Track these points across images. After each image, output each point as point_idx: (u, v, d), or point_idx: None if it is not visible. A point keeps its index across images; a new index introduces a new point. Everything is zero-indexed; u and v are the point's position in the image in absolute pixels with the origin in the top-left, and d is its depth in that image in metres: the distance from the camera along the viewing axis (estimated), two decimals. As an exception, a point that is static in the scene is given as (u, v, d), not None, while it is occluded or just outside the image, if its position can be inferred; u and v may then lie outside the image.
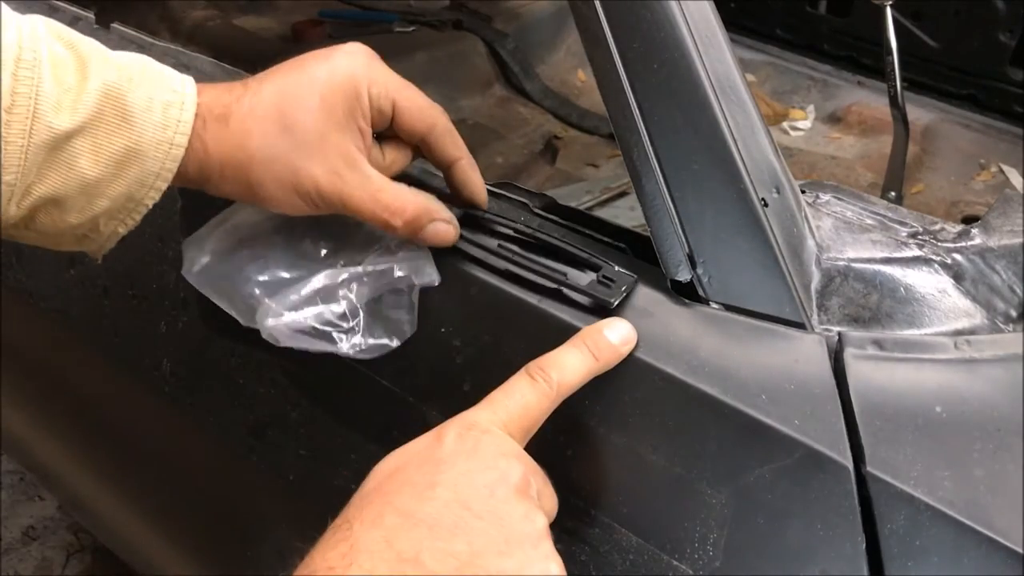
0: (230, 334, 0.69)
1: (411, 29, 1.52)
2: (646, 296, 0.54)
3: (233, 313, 0.60)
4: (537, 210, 0.61)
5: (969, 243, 0.55)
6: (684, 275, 0.53)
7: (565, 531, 0.52)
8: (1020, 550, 0.41)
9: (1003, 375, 0.48)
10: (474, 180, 0.60)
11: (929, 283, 0.53)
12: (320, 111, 0.54)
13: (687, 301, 0.53)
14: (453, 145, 0.58)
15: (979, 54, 1.31)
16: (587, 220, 0.60)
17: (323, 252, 0.60)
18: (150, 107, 0.52)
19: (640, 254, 0.57)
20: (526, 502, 0.43)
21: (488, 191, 0.63)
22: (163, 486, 0.90)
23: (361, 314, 0.58)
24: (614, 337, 0.51)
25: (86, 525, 1.40)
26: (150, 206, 0.55)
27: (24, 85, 0.49)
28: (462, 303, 0.59)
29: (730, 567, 0.47)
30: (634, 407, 0.51)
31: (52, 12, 0.88)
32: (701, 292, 0.53)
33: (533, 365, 0.49)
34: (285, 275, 0.59)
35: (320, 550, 0.40)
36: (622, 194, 1.12)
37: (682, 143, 0.52)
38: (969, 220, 0.81)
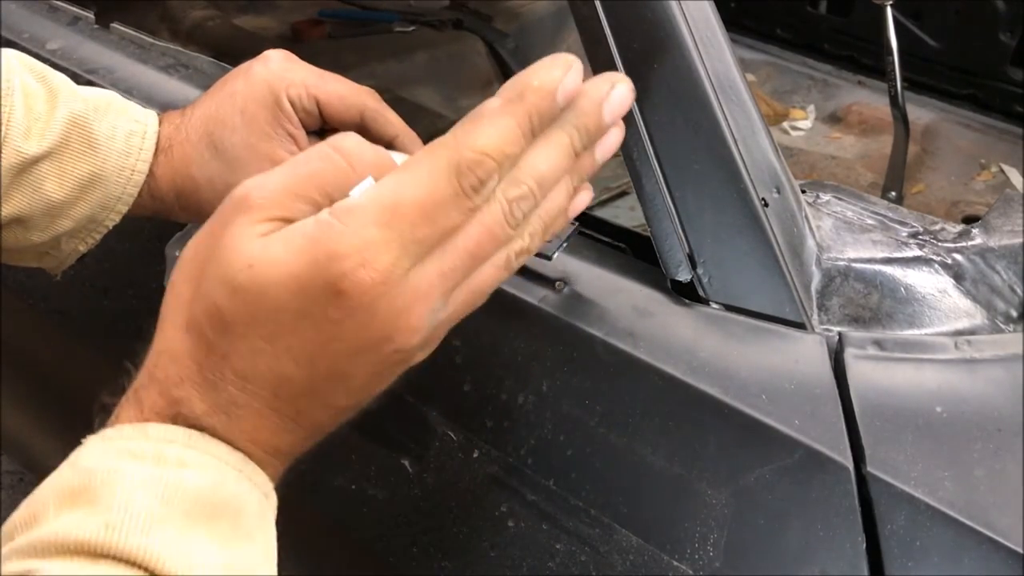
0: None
1: (411, 29, 1.52)
2: (646, 296, 0.54)
3: None
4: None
5: (969, 243, 0.55)
6: (684, 275, 0.53)
7: (565, 531, 0.52)
8: (1020, 550, 0.41)
9: (1003, 375, 0.48)
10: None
11: (929, 283, 0.53)
12: (243, 127, 0.55)
13: (687, 301, 0.53)
14: (387, 124, 0.58)
15: (979, 54, 1.31)
16: (587, 220, 0.60)
17: None
18: (113, 135, 0.55)
19: (640, 254, 0.57)
20: (415, 354, 0.38)
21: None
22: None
23: None
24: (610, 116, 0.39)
25: (86, 525, 1.40)
26: (110, 227, 0.57)
27: None
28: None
29: (730, 567, 0.47)
30: (634, 407, 0.51)
31: (52, 12, 0.88)
32: (701, 292, 0.53)
33: (466, 168, 0.35)
34: None
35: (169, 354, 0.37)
36: (622, 194, 1.12)
37: (682, 143, 0.52)
38: (969, 220, 0.81)
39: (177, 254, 0.63)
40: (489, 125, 0.35)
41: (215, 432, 0.37)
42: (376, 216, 0.34)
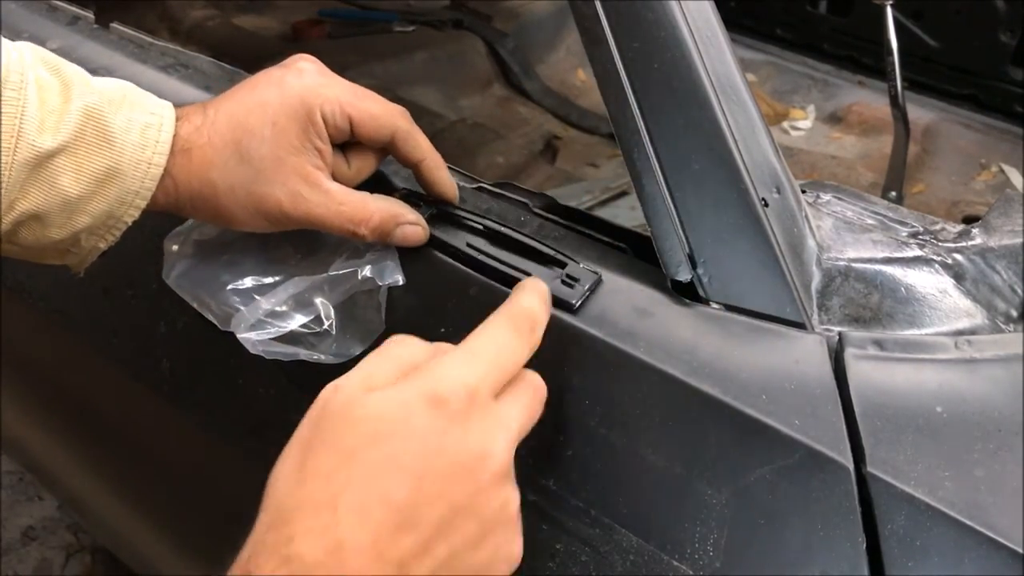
0: (230, 334, 0.69)
1: (411, 29, 1.52)
2: (646, 296, 0.54)
3: (210, 317, 0.61)
4: (537, 210, 0.61)
5: (970, 243, 0.55)
6: (684, 275, 0.53)
7: (565, 531, 0.52)
8: (1020, 550, 0.41)
9: (1004, 375, 0.48)
10: (441, 178, 0.60)
11: (930, 283, 0.53)
12: (274, 138, 0.55)
13: (687, 301, 0.53)
14: (416, 148, 0.59)
15: (980, 54, 1.31)
16: (587, 220, 0.60)
17: (296, 256, 0.61)
18: (129, 128, 0.54)
19: (640, 254, 0.57)
20: (505, 488, 0.42)
21: (488, 191, 0.63)
22: (163, 486, 0.90)
23: (334, 317, 0.59)
24: (542, 312, 0.48)
25: (86, 525, 1.40)
26: (129, 223, 0.57)
27: (10, 106, 0.51)
28: (462, 304, 0.59)
29: (730, 567, 0.47)
30: (634, 407, 0.51)
31: (52, 12, 0.88)
32: (701, 292, 0.53)
33: (519, 315, 0.46)
34: (259, 281, 0.60)
35: (300, 531, 0.38)
36: (622, 194, 1.13)
37: (682, 143, 0.52)
38: (970, 220, 0.81)
39: (175, 248, 0.63)
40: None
41: None
42: (460, 358, 0.43)
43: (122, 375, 0.82)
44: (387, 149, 0.59)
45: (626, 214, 1.08)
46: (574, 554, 0.52)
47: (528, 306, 0.47)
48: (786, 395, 0.48)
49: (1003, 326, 0.53)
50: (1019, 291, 0.54)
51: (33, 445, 1.16)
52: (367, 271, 0.59)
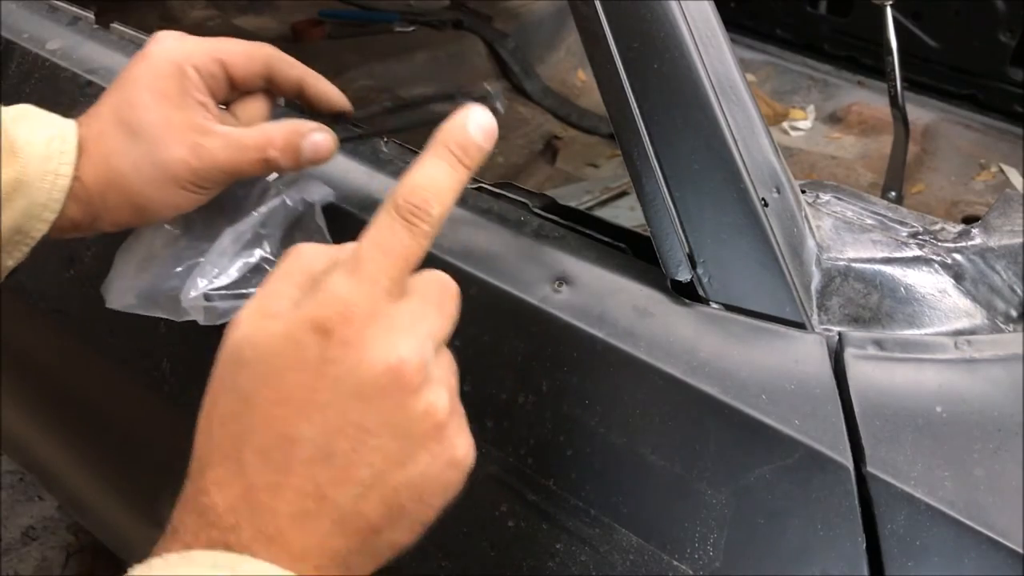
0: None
1: (411, 29, 1.52)
2: (646, 296, 0.54)
3: (165, 314, 0.60)
4: (537, 210, 0.61)
5: (969, 243, 0.55)
6: (684, 275, 0.53)
7: (565, 531, 0.52)
8: (1020, 550, 0.41)
9: (1003, 375, 0.48)
10: (328, 90, 0.61)
11: (929, 283, 0.53)
12: (156, 103, 0.55)
13: (687, 301, 0.53)
14: (292, 66, 0.59)
15: (979, 54, 1.31)
16: (587, 220, 0.60)
17: (222, 221, 0.60)
18: (32, 140, 0.55)
19: (640, 254, 0.57)
20: (423, 395, 0.39)
21: (488, 191, 0.63)
22: (163, 486, 0.90)
23: (280, 248, 0.59)
24: (479, 134, 0.44)
25: (86, 525, 1.40)
26: (38, 239, 0.56)
27: None
28: (462, 303, 0.59)
29: (730, 567, 0.47)
30: (634, 407, 0.51)
31: (52, 12, 0.88)
32: (701, 292, 0.53)
33: (403, 203, 0.41)
34: (198, 260, 0.59)
35: (211, 483, 0.38)
36: (622, 194, 1.13)
37: (682, 143, 0.52)
38: (969, 220, 0.81)
39: (124, 263, 0.63)
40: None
41: (259, 556, 0.37)
42: (344, 271, 0.40)
43: (122, 375, 0.82)
44: (268, 85, 0.60)
45: (626, 214, 1.08)
46: (574, 554, 0.52)
47: (419, 184, 0.41)
48: (786, 395, 0.48)
49: (1003, 326, 0.53)
50: (1019, 291, 0.54)
51: (33, 445, 1.16)
52: (292, 195, 0.59)
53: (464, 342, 0.58)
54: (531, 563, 0.54)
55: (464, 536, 0.56)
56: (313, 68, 0.61)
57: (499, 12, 1.58)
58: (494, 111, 0.45)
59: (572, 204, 0.62)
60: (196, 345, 0.73)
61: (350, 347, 0.38)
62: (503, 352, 0.56)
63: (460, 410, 0.42)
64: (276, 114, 0.62)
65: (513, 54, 1.51)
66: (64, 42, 0.84)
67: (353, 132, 0.62)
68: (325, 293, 0.39)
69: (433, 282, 0.43)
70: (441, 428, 0.40)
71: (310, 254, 0.42)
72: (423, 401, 0.39)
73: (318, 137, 0.56)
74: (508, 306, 0.56)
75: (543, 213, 0.61)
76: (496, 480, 0.55)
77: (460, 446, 0.41)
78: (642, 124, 0.52)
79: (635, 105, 0.52)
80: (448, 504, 0.42)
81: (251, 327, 0.40)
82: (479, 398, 0.56)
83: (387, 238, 0.40)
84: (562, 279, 0.56)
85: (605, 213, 1.09)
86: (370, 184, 0.65)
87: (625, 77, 0.52)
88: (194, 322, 0.59)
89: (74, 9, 0.88)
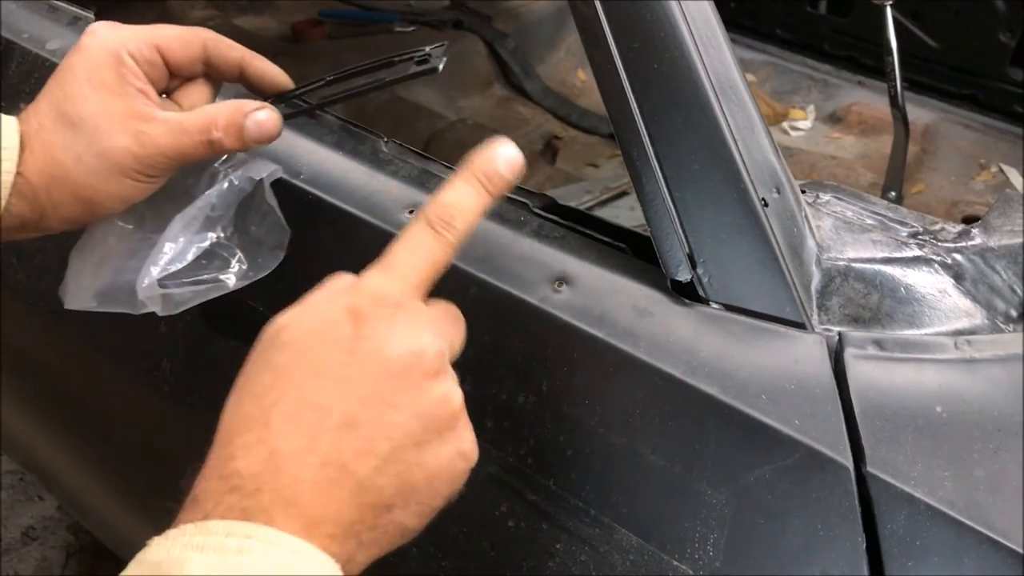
0: (230, 334, 0.69)
1: (411, 29, 1.52)
2: (646, 296, 0.54)
3: (123, 310, 0.60)
4: (537, 210, 0.61)
5: (969, 243, 0.55)
6: (684, 275, 0.53)
7: (565, 531, 0.52)
8: (1020, 550, 0.41)
9: (1003, 375, 0.48)
10: (268, 68, 0.61)
11: (929, 283, 0.53)
12: (94, 93, 0.55)
13: (687, 301, 0.53)
14: (231, 47, 0.59)
15: (979, 54, 1.31)
16: (587, 220, 0.60)
17: (170, 210, 0.60)
18: None
19: (640, 254, 0.57)
20: (442, 384, 0.43)
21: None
22: (163, 486, 0.90)
23: (236, 239, 0.59)
24: (504, 166, 0.47)
25: (86, 525, 1.40)
26: None
27: None
28: (461, 303, 0.59)
29: (730, 567, 0.47)
30: (634, 407, 0.51)
31: (52, 12, 0.88)
32: (701, 292, 0.53)
33: (433, 216, 0.46)
34: (146, 254, 0.59)
35: (238, 448, 0.40)
36: (622, 194, 1.12)
37: (682, 143, 0.52)
38: (969, 220, 0.81)
39: (79, 262, 0.62)
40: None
41: (274, 523, 0.38)
42: (378, 271, 0.44)
43: (122, 375, 0.82)
44: (207, 69, 0.60)
45: (626, 214, 1.08)
46: (574, 554, 0.52)
47: (447, 202, 0.46)
48: (786, 395, 0.48)
49: (1003, 326, 0.53)
50: (1018, 291, 0.54)
51: (33, 445, 1.15)
52: (239, 175, 0.59)
53: (464, 342, 0.58)
54: (531, 563, 0.54)
55: (464, 536, 0.56)
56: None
57: (499, 12, 1.58)
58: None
59: (572, 204, 0.62)
60: (196, 345, 0.74)
61: (380, 329, 0.42)
62: (503, 352, 0.56)
63: (467, 416, 0.45)
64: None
65: (513, 54, 1.51)
66: (64, 42, 0.84)
67: (298, 107, 0.62)
68: (360, 286, 0.44)
69: (450, 309, 0.47)
70: (455, 417, 0.43)
71: (347, 276, 0.46)
72: (441, 388, 0.42)
73: (261, 115, 0.57)
74: (508, 306, 0.56)
75: (543, 213, 0.61)
76: (496, 480, 0.55)
77: (468, 440, 0.44)
78: (642, 124, 0.52)
79: (635, 105, 0.52)
80: (452, 498, 0.43)
81: (289, 318, 0.43)
82: (479, 398, 0.56)
83: (417, 243, 0.45)
84: (562, 279, 0.56)
85: (605, 213, 1.08)
86: (324, 163, 0.65)
87: (625, 77, 0.52)
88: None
89: (74, 9, 0.88)
